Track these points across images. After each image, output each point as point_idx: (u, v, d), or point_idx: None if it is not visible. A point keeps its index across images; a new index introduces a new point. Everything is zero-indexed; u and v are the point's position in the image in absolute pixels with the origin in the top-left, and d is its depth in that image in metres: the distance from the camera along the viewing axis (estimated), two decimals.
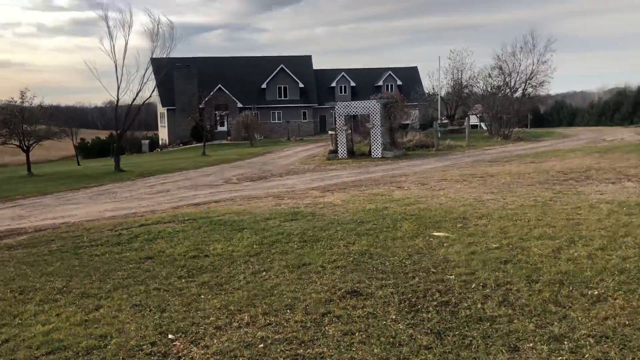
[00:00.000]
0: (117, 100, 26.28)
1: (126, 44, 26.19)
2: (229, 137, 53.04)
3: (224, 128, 54.33)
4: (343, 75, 63.36)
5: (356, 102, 26.77)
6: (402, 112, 27.60)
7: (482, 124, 50.44)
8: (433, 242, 7.47)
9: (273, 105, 60.13)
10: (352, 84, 63.15)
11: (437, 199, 11.80)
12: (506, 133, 32.77)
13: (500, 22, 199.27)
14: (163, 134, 58.55)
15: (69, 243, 9.26)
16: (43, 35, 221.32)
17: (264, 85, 59.83)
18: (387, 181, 16.70)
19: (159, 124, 61.58)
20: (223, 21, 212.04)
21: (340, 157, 26.34)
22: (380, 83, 63.91)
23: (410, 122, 30.16)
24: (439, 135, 30.65)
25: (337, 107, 26.68)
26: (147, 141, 59.99)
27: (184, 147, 50.36)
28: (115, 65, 25.93)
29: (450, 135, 33.85)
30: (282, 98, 60.87)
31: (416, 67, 69.08)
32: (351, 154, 26.68)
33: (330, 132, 32.87)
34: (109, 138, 64.22)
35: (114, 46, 25.84)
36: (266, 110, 59.16)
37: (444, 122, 37.28)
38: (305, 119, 61.54)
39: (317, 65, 65.12)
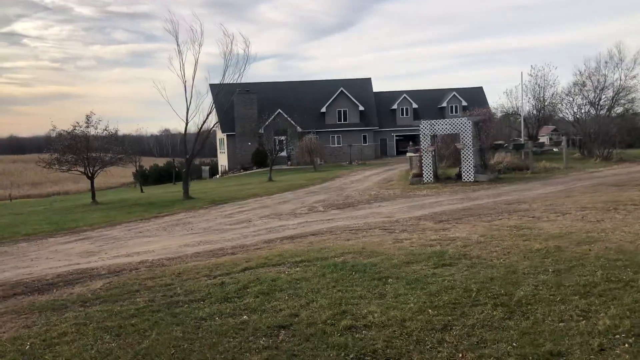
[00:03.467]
0: (187, 123, 24.54)
1: (196, 63, 24.57)
2: (289, 162, 51.23)
3: (284, 153, 52.49)
4: (405, 97, 60.84)
5: (443, 120, 24.15)
6: (495, 130, 24.75)
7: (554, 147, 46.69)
8: None
9: (333, 129, 58.09)
10: (415, 105, 60.49)
11: (613, 234, 9.05)
12: (605, 154, 29.28)
13: (553, 44, 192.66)
14: (223, 160, 57.38)
15: (158, 296, 7.05)
16: (102, 68, 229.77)
17: (323, 109, 58.00)
18: (507, 210, 13.98)
19: (218, 150, 60.56)
20: (273, 51, 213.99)
21: (425, 181, 23.69)
22: (444, 104, 61.14)
23: (504, 142, 27.26)
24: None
25: (421, 126, 24.14)
26: (207, 167, 59.00)
27: (245, 172, 48.83)
28: (185, 87, 24.29)
29: (540, 156, 30.66)
30: (342, 122, 58.81)
31: (481, 87, 65.92)
32: (435, 177, 24.01)
33: (409, 154, 30.28)
34: (167, 165, 63.85)
35: (183, 65, 24.18)
36: (326, 134, 57.08)
37: (539, 142, 34.08)
38: (366, 143, 59.20)
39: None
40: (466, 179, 22.96)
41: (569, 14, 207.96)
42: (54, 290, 8.25)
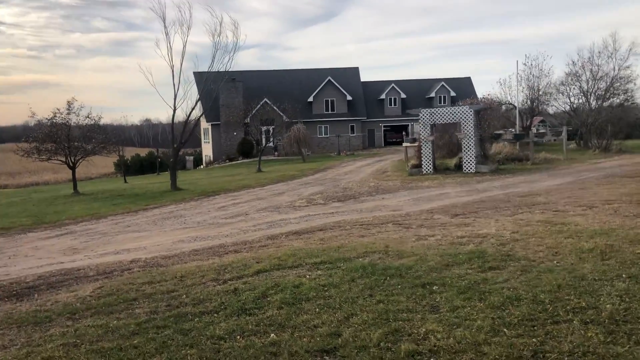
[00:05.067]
0: (174, 110, 23.16)
1: (184, 46, 23.30)
2: (276, 153, 50.01)
3: (271, 143, 51.21)
4: (393, 86, 59.79)
5: (443, 109, 23.18)
6: (496, 120, 23.88)
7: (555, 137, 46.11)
8: None
9: (320, 119, 56.80)
10: (403, 95, 59.55)
11: None
12: (604, 145, 28.66)
13: (537, 36, 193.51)
14: (207, 150, 55.89)
15: (161, 306, 5.95)
16: (82, 57, 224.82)
17: (310, 99, 56.64)
18: (524, 202, 13.10)
19: (203, 140, 58.98)
20: (255, 40, 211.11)
21: (425, 172, 22.77)
22: (433, 94, 60.30)
23: (504, 132, 26.44)
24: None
25: (421, 115, 23.17)
26: (191, 157, 57.49)
27: (231, 163, 47.52)
28: (172, 71, 22.95)
29: (538, 147, 29.94)
30: (330, 112, 57.55)
31: (469, 77, 65.29)
32: (434, 168, 23.09)
33: (405, 144, 29.35)
34: (150, 155, 62.21)
35: (171, 48, 22.83)
36: (313, 125, 55.69)
37: (540, 132, 33.42)
38: (354, 133, 58.03)
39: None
40: (467, 170, 22.10)
41: (553, 6, 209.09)
42: (36, 296, 7.13)
